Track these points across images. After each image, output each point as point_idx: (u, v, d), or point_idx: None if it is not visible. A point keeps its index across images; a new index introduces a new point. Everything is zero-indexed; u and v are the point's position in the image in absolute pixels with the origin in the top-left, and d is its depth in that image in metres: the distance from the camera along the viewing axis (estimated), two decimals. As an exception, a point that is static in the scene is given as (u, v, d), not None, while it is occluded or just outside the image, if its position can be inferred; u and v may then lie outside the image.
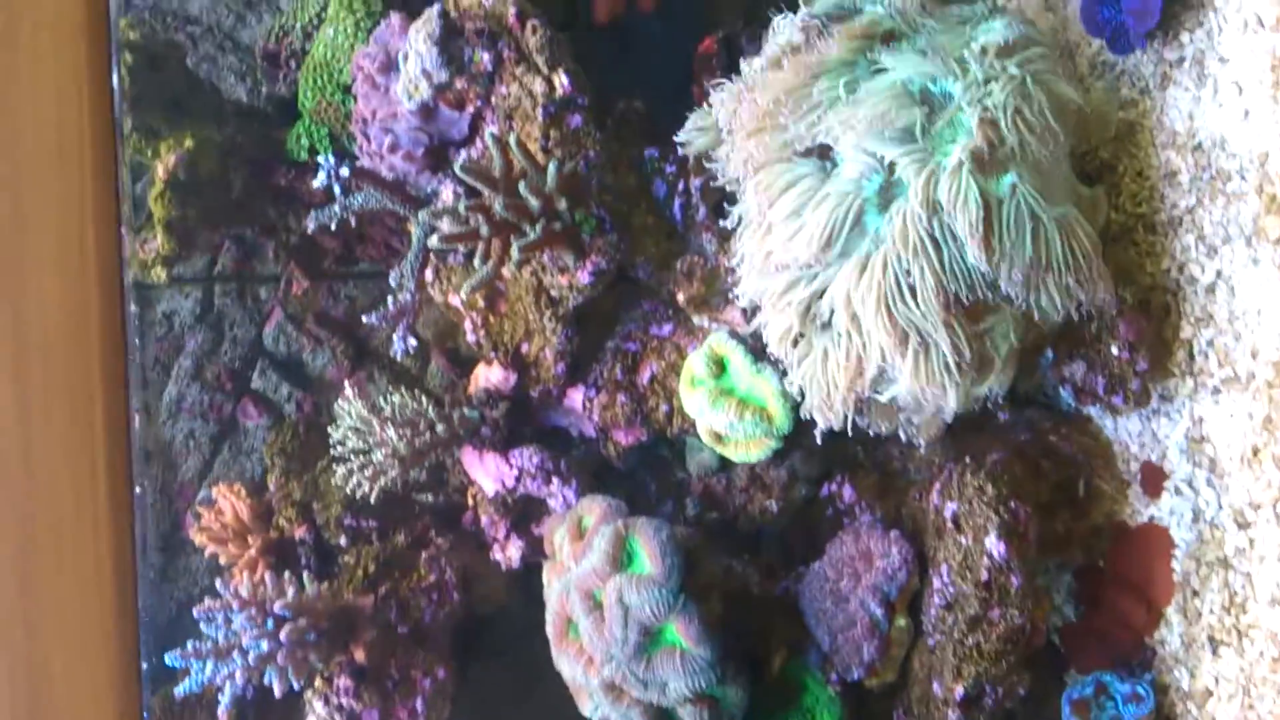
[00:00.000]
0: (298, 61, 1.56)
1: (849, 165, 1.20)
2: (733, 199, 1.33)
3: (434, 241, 1.29)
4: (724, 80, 1.29)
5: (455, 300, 1.47)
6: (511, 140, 1.26)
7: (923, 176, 1.15)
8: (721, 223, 1.32)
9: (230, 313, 1.69)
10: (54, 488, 1.44)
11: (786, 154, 1.21)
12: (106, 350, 1.47)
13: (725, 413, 1.31)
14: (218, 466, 1.68)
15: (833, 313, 1.21)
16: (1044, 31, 1.45)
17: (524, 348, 1.44)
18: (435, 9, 1.34)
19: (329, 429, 1.44)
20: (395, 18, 1.40)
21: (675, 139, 1.35)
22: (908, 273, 1.16)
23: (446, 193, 1.40)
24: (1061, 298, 1.19)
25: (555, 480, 1.39)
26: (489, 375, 1.45)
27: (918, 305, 1.16)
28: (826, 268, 1.19)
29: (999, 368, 1.22)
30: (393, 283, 1.41)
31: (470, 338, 1.47)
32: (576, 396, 1.45)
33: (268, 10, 1.70)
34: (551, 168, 1.28)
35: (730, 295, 1.34)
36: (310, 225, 1.40)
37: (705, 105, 1.36)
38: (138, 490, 1.51)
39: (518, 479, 1.40)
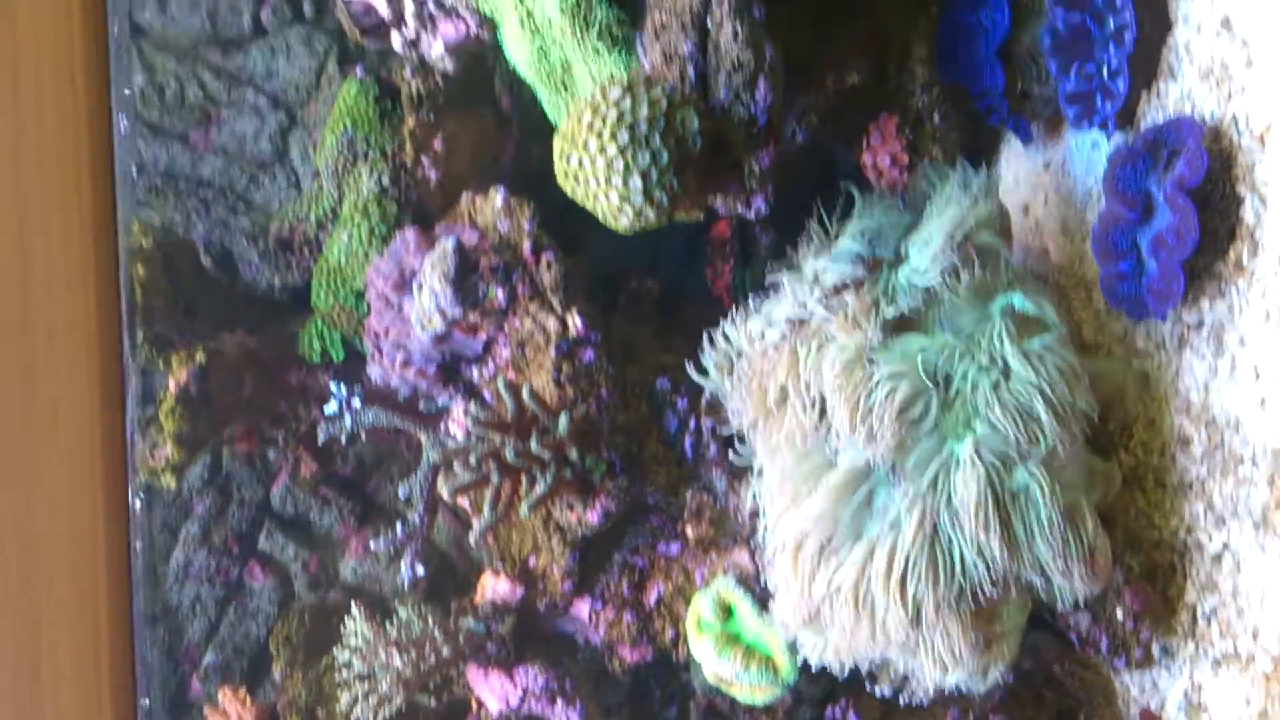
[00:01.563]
0: (310, 249, 1.58)
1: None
2: (743, 438, 1.36)
3: (446, 492, 1.32)
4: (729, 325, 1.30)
5: (464, 500, 1.49)
6: (525, 391, 1.28)
7: (932, 471, 1.17)
8: (731, 457, 1.35)
9: (238, 474, 1.72)
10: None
11: (794, 435, 1.22)
12: (111, 552, 1.50)
13: (731, 662, 1.34)
14: (223, 629, 1.71)
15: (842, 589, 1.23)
16: (1060, 267, 1.47)
17: (531, 561, 1.46)
18: (450, 243, 1.35)
19: (335, 629, 1.47)
20: (410, 234, 1.41)
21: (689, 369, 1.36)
22: (915, 564, 1.18)
23: (457, 410, 1.42)
24: (1069, 589, 1.22)
25: (560, 701, 1.43)
26: (496, 587, 1.48)
27: (927, 595, 1.18)
28: (836, 550, 1.22)
29: (1005, 646, 1.25)
30: (401, 496, 1.44)
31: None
32: (583, 608, 1.48)
33: (280, 170, 1.71)
34: (563, 419, 1.30)
35: (739, 536, 1.37)
36: (321, 437, 1.42)
37: (721, 336, 1.38)
38: (145, 701, 1.55)
39: (522, 700, 1.44)
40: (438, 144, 1.51)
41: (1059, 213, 1.47)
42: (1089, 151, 1.43)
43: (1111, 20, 1.30)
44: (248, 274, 1.66)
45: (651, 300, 1.64)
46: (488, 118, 1.64)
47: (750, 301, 1.39)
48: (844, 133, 1.60)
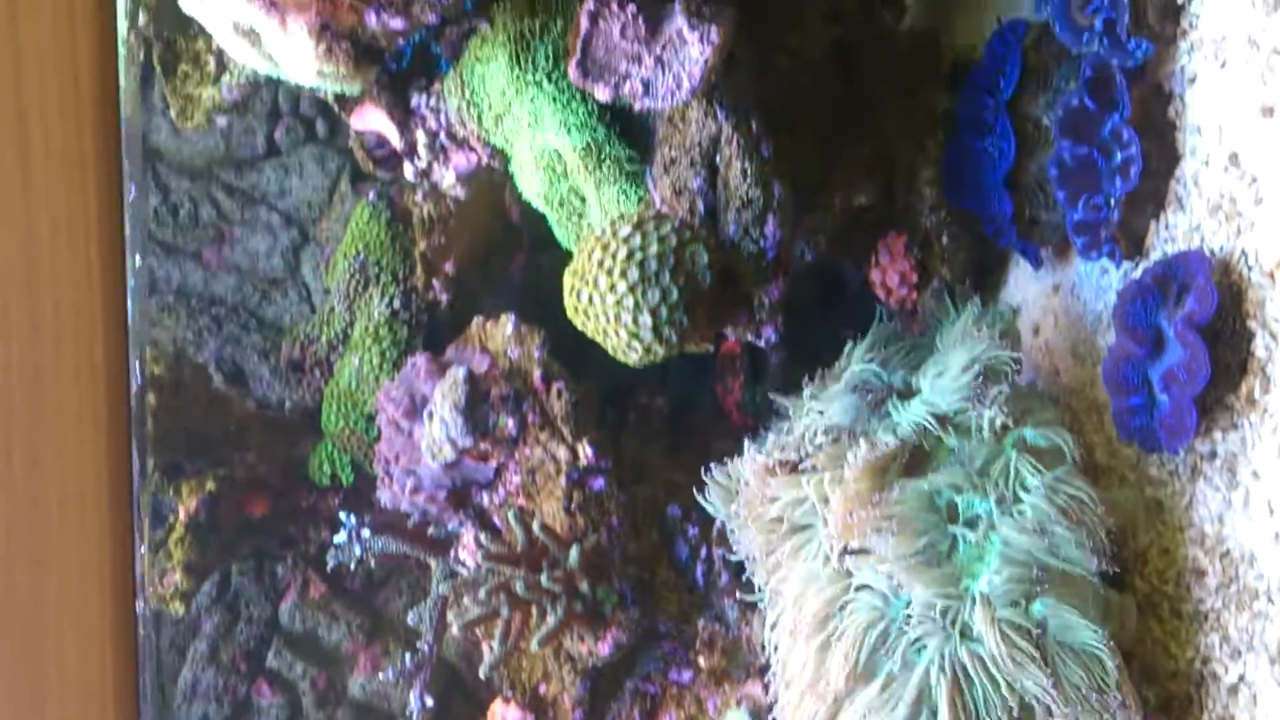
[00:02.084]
0: (321, 370, 1.59)
1: (871, 579, 1.22)
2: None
3: (455, 627, 1.32)
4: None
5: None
6: (536, 524, 1.28)
7: (950, 615, 1.17)
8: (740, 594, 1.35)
9: (247, 591, 1.72)
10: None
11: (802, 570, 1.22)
12: (119, 673, 1.50)
13: (744, 797, 1.33)
14: (231, 750, 1.71)
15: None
16: (1073, 389, 1.47)
17: (542, 689, 1.46)
18: (461, 373, 1.37)
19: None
20: (421, 360, 1.43)
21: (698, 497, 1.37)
22: (934, 713, 1.17)
23: (468, 536, 1.42)
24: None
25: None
26: (506, 715, 1.47)
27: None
28: (850, 693, 1.21)
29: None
30: (410, 622, 1.43)
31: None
32: (594, 736, 1.47)
33: (293, 286, 1.73)
34: (574, 551, 1.30)
35: (751, 668, 1.36)
36: (330, 564, 1.43)
37: (733, 463, 1.38)
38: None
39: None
40: (449, 267, 1.52)
41: (1069, 336, 1.48)
42: (1098, 277, 1.43)
43: (1119, 154, 1.31)
44: (259, 390, 1.68)
45: (661, 417, 1.65)
46: (497, 230, 1.67)
47: (761, 426, 1.40)
48: (853, 251, 1.62)
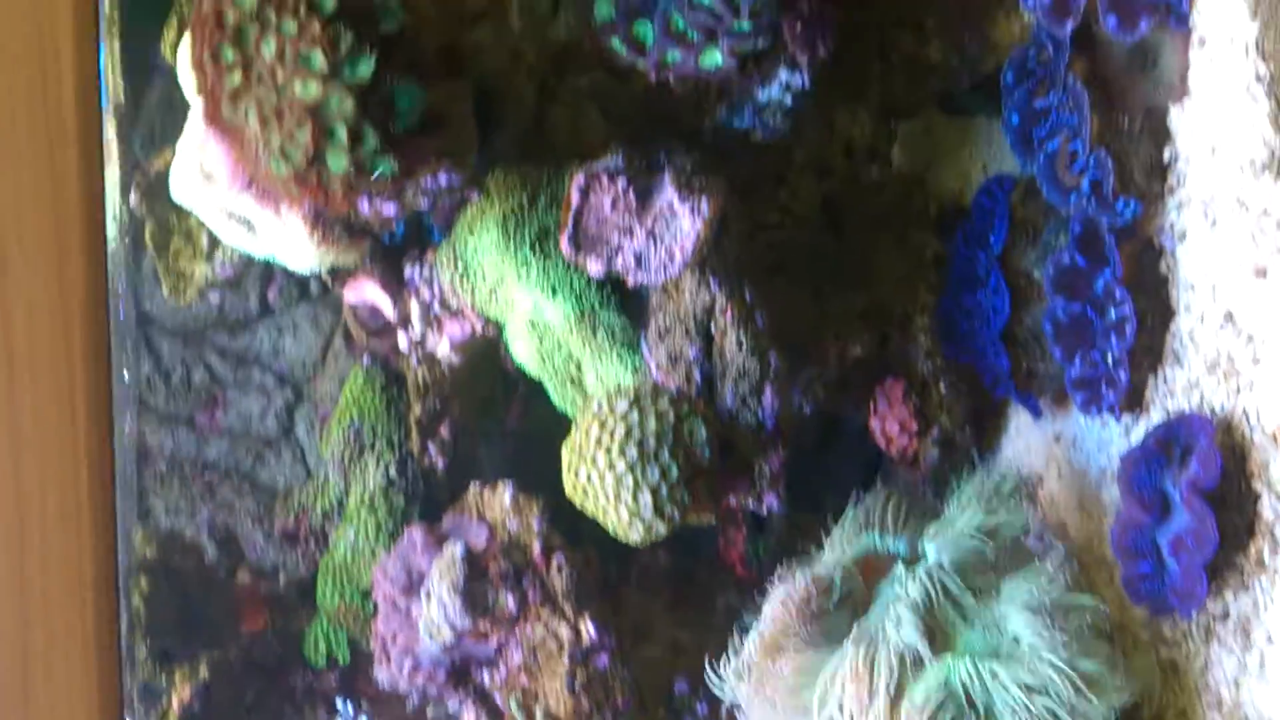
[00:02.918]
0: (316, 540, 1.58)
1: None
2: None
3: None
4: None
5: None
6: (539, 712, 1.26)
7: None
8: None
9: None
10: None
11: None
12: None
13: None
14: None
15: None
16: (1081, 544, 1.46)
17: None
18: (458, 551, 1.36)
19: None
20: (418, 534, 1.42)
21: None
22: None
23: (469, 717, 1.40)
24: None
25: None
26: None
27: None
28: None
29: None
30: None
31: None
32: None
33: (286, 446, 1.72)
34: (579, 736, 1.28)
35: None
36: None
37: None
38: None
39: None
40: (444, 430, 1.52)
41: (1074, 488, 1.47)
42: (1099, 429, 1.43)
43: (1112, 310, 1.32)
44: (253, 556, 1.66)
45: (663, 571, 1.63)
46: (492, 384, 1.66)
47: (765, 579, 1.39)
48: (851, 398, 1.62)
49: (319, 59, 1.09)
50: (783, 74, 1.36)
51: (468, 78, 1.31)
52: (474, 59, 1.47)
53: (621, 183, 1.30)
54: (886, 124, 1.54)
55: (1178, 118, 1.30)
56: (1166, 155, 1.32)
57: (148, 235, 1.54)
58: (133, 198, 1.53)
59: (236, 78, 1.11)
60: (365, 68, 1.10)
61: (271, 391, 1.71)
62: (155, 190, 1.50)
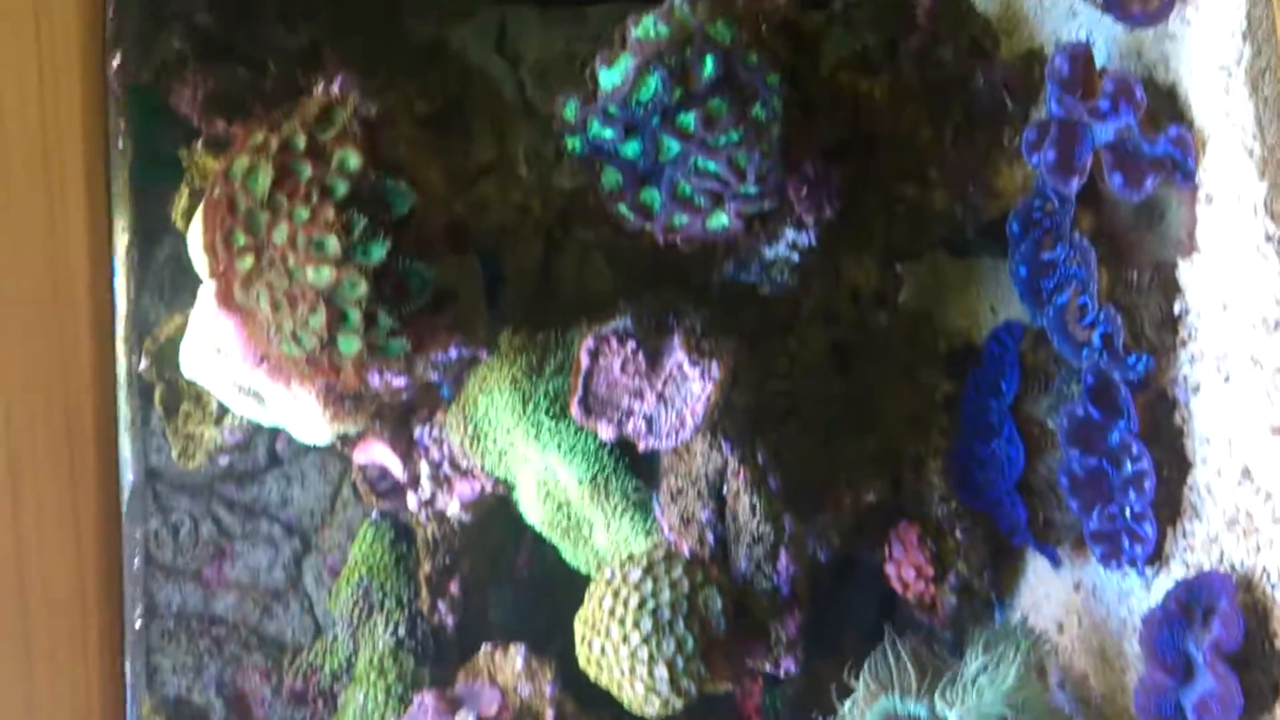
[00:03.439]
0: (325, 701, 1.56)
1: None
2: None
3: None
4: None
5: None
6: None
7: None
8: None
9: None
10: None
11: None
12: None
13: None
14: None
15: None
16: (1104, 696, 1.44)
17: None
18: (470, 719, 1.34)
19: None
20: (429, 700, 1.40)
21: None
22: None
23: None
24: None
25: None
26: None
27: None
28: None
29: None
30: None
31: None
32: None
33: (295, 597, 1.71)
34: None
35: None
36: None
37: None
38: None
39: None
40: (454, 587, 1.51)
41: (1095, 639, 1.46)
42: (1119, 580, 1.42)
43: (1129, 464, 1.32)
44: (259, 712, 1.64)
45: (678, 724, 1.61)
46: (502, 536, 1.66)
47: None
48: (866, 541, 1.61)
49: (333, 244, 1.10)
50: (789, 233, 1.37)
51: (475, 244, 1.32)
52: (480, 213, 1.49)
53: (631, 345, 1.31)
54: (892, 269, 1.55)
55: (1187, 272, 1.31)
56: (1177, 308, 1.33)
57: (157, 399, 1.54)
58: (142, 363, 1.54)
59: (248, 262, 1.13)
60: (379, 251, 1.11)
61: (280, 542, 1.70)
62: (165, 355, 1.51)
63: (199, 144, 1.51)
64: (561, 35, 1.75)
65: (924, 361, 1.63)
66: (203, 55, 1.53)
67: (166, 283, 1.60)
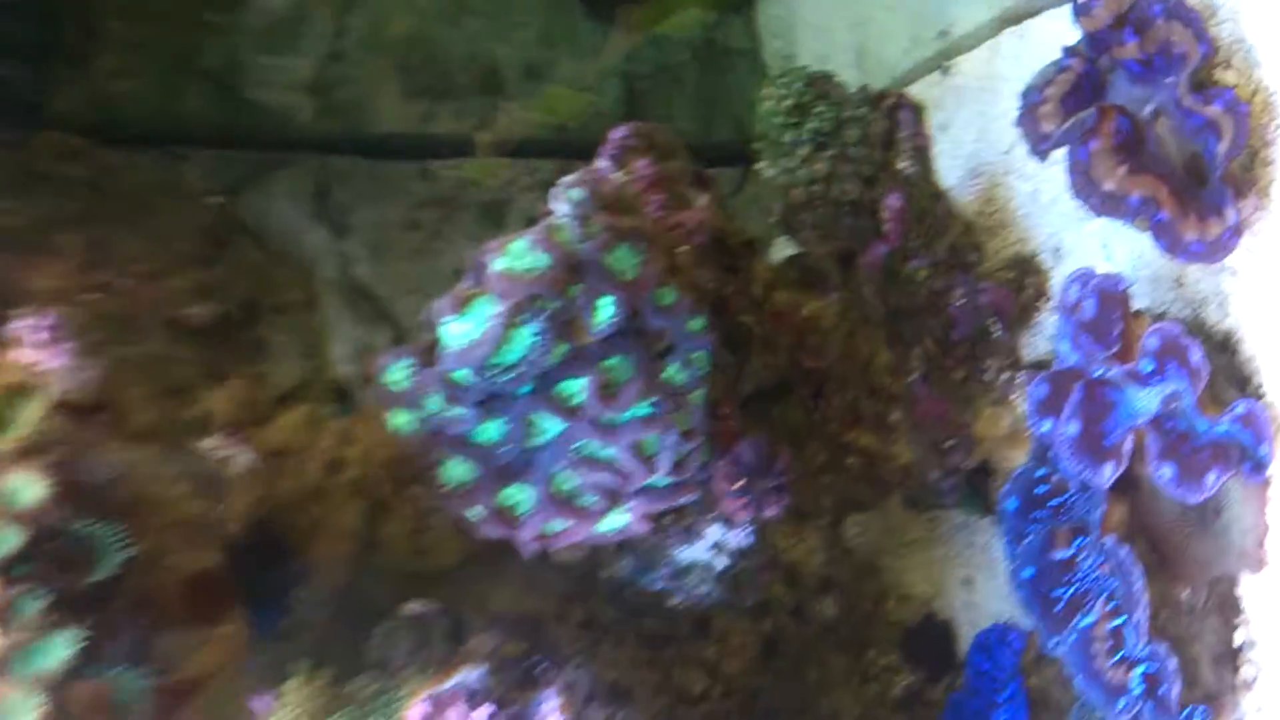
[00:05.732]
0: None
1: None
2: None
3: None
4: None
5: None
6: None
7: None
8: None
9: None
10: None
11: None
12: None
13: None
14: None
15: None
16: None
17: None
18: None
19: None
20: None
21: None
22: None
23: None
24: None
25: None
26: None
27: None
28: None
29: None
30: None
31: None
32: None
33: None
34: None
35: None
36: None
37: None
38: None
39: None
40: None
41: None
42: None
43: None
44: None
45: None
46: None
47: None
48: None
49: None
50: (713, 531, 1.00)
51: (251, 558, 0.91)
52: (273, 475, 1.08)
53: (486, 711, 0.92)
54: (840, 542, 1.21)
55: (1252, 590, 0.99)
56: (1238, 639, 1.00)
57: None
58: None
59: None
60: (59, 653, 0.68)
61: None
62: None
63: None
64: (404, 197, 1.39)
65: (874, 639, 1.30)
66: None
67: None
